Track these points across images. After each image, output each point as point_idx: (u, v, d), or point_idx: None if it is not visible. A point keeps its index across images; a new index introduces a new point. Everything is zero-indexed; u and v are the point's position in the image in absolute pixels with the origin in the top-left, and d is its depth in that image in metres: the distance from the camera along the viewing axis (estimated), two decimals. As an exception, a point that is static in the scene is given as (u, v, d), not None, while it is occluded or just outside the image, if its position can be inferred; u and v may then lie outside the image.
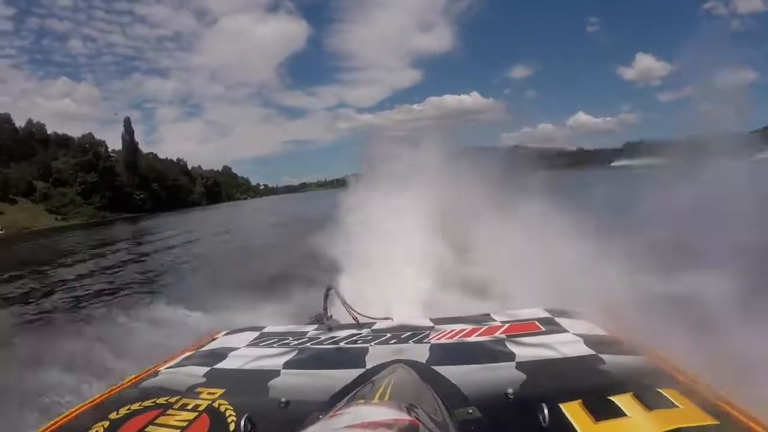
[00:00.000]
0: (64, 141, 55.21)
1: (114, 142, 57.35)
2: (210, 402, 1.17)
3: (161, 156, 68.16)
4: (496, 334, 1.59)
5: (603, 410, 0.96)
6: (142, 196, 55.29)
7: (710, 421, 0.92)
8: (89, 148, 52.01)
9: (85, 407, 1.22)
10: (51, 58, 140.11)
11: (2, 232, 37.23)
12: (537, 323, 1.66)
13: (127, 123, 59.95)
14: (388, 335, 1.70)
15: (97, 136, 55.64)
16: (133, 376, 1.47)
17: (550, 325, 1.62)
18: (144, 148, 63.93)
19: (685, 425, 0.90)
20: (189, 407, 1.15)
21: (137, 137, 61.34)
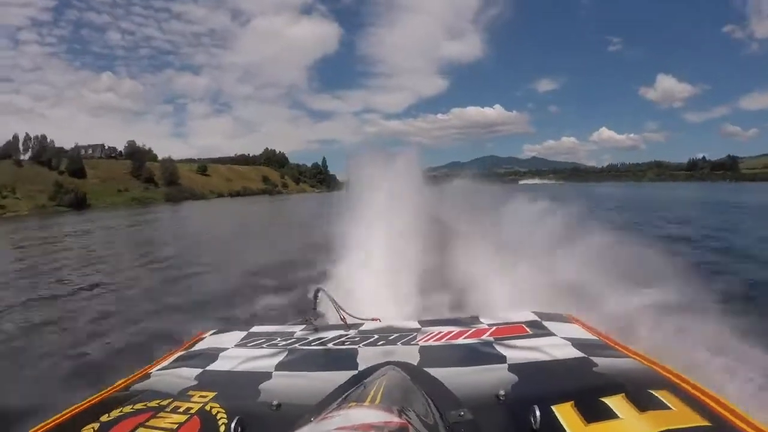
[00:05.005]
0: (284, 157, 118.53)
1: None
2: (201, 405, 1.16)
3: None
4: (483, 337, 1.60)
5: (595, 412, 0.96)
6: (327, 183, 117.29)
7: (703, 422, 0.91)
8: (318, 166, 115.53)
9: (76, 410, 1.21)
10: (89, 49, 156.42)
11: (315, 192, 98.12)
12: (524, 326, 1.67)
13: (323, 158, 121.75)
14: (376, 336, 1.70)
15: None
16: (125, 378, 1.45)
17: (537, 329, 1.64)
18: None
19: (678, 426, 0.89)
20: (180, 410, 1.14)
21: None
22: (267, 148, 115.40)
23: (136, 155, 72.77)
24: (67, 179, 62.65)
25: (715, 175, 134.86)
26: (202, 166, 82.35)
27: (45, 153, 66.11)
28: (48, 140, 68.28)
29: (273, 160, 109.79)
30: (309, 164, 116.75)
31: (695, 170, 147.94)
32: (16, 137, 67.12)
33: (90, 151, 78.79)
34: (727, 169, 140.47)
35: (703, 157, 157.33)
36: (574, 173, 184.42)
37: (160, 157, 76.97)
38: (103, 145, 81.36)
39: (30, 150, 66.62)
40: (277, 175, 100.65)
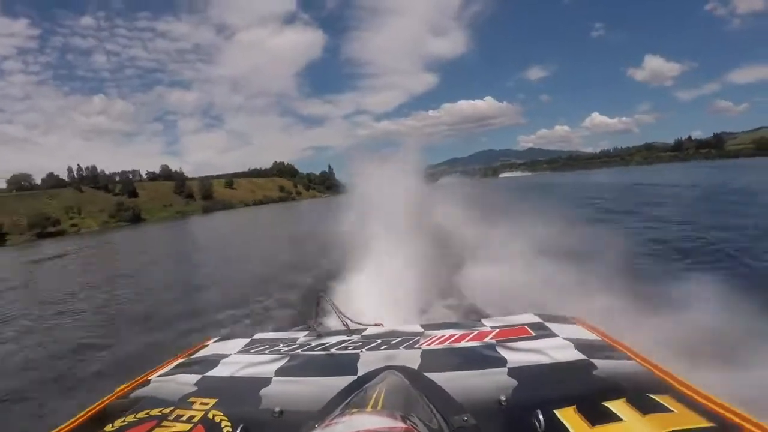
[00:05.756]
0: (294, 168, 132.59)
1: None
2: (204, 412, 1.16)
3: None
4: (486, 339, 1.58)
5: (598, 415, 0.96)
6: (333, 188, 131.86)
7: (705, 423, 0.91)
8: (325, 174, 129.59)
9: (79, 420, 1.22)
10: (75, 73, 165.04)
11: (323, 197, 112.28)
12: (527, 328, 1.66)
13: (330, 166, 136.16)
14: (379, 341, 1.70)
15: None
16: (125, 385, 1.44)
17: (540, 330, 1.62)
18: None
19: (680, 428, 0.89)
20: (184, 418, 1.14)
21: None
22: (276, 162, 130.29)
23: (174, 176, 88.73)
24: (126, 199, 77.45)
25: (700, 154, 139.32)
26: (229, 181, 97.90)
27: (99, 179, 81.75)
28: (98, 169, 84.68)
29: (284, 171, 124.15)
30: (306, 172, 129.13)
31: (681, 151, 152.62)
32: (70, 169, 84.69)
33: (131, 176, 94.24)
34: (713, 147, 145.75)
35: (689, 137, 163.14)
36: (568, 162, 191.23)
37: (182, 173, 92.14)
38: (138, 171, 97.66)
39: (76, 177, 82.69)
40: (290, 184, 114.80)
